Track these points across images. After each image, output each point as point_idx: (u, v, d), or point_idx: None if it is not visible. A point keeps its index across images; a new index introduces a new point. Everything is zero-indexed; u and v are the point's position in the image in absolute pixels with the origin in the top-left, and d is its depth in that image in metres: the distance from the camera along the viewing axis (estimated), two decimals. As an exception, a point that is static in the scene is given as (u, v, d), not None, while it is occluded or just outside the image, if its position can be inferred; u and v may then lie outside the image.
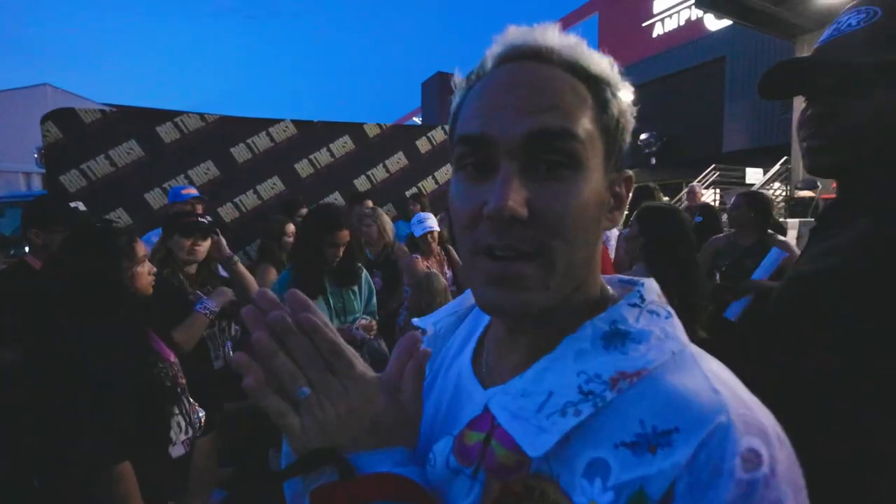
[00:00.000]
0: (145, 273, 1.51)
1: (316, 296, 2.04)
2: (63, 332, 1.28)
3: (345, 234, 2.05)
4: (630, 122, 0.44)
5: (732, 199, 2.85)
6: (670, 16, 17.41)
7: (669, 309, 0.43)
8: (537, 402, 0.39)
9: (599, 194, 0.41)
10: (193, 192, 2.77)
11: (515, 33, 0.42)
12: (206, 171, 3.55)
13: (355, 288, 2.19)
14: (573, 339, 0.42)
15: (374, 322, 2.20)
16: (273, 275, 2.75)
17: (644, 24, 18.44)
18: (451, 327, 0.58)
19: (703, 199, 5.63)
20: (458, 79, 0.45)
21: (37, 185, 7.86)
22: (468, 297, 0.59)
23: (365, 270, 2.34)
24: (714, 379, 0.37)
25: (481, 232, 0.39)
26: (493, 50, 0.42)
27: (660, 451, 0.33)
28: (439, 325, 0.58)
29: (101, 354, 1.27)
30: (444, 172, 4.42)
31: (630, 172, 0.46)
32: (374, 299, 2.37)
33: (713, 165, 11.65)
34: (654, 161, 16.80)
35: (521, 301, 0.38)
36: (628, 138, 0.45)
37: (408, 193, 4.18)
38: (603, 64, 0.42)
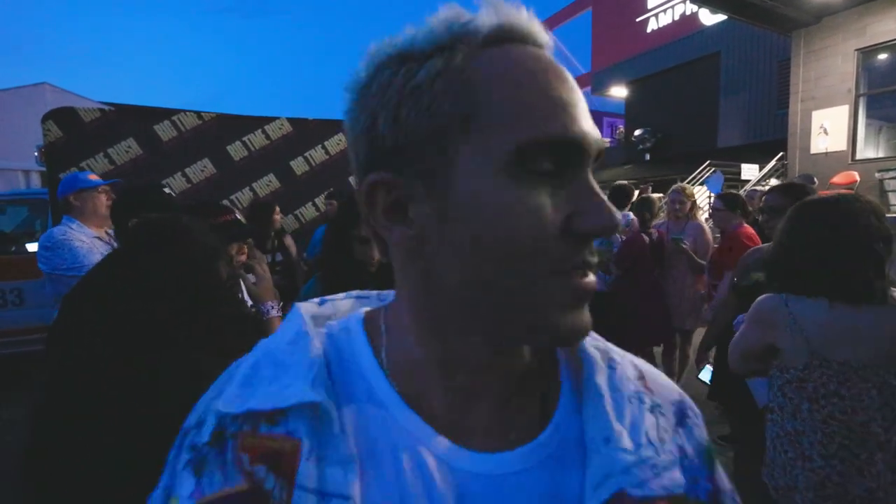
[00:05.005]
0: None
1: None
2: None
3: None
4: None
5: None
6: (664, 11, 17.45)
7: None
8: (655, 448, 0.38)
9: None
10: (97, 178, 2.40)
11: (514, 12, 0.35)
12: (202, 168, 3.58)
13: None
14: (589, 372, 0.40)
15: None
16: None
17: (638, 20, 18.47)
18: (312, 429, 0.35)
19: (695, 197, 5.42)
20: (423, 37, 0.34)
21: (36, 182, 7.85)
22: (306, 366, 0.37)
23: None
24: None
25: (567, 249, 0.32)
26: (492, 18, 0.34)
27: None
28: (294, 430, 0.35)
29: None
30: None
31: None
32: None
33: (708, 161, 11.70)
34: (648, 157, 16.87)
35: (589, 319, 0.35)
36: None
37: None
38: None
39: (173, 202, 1.85)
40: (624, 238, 3.44)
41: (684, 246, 3.30)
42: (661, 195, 4.80)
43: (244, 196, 3.72)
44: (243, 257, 1.74)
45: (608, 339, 0.46)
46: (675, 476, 0.37)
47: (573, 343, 0.38)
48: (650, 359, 3.48)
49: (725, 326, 2.15)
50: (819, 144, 8.51)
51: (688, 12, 16.20)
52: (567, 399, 0.40)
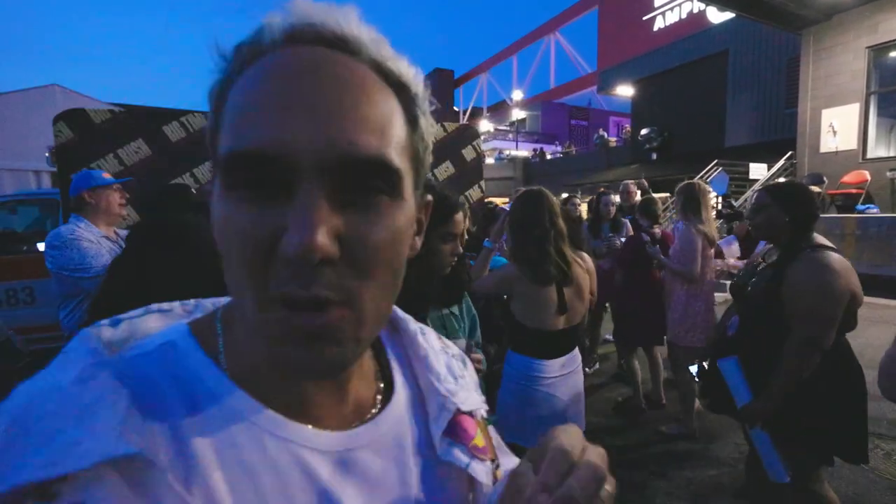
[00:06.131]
0: None
1: (425, 315, 1.49)
2: None
3: (461, 220, 1.52)
4: (430, 144, 0.38)
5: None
6: (671, 9, 17.36)
7: None
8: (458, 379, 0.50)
9: (412, 224, 0.36)
10: (110, 176, 2.46)
11: (310, 7, 0.31)
12: (210, 168, 3.60)
13: (456, 310, 1.64)
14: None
15: (481, 356, 1.58)
16: None
17: (645, 18, 18.37)
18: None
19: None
20: (226, 49, 0.33)
21: (46, 183, 7.94)
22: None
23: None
24: None
25: (276, 276, 0.29)
26: (278, 21, 0.31)
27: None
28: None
29: None
30: (444, 169, 4.45)
31: (430, 198, 0.42)
32: (479, 330, 1.77)
33: (715, 161, 11.61)
34: (654, 156, 16.76)
35: (331, 360, 0.31)
36: (430, 160, 0.38)
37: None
38: (411, 71, 0.35)
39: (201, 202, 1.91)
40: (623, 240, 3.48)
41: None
42: (668, 194, 4.75)
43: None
44: None
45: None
46: (476, 398, 0.50)
47: (302, 378, 0.36)
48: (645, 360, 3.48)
49: (721, 328, 2.09)
50: (829, 143, 8.42)
51: (695, 10, 16.10)
52: (398, 364, 0.47)
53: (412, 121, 0.34)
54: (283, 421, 0.35)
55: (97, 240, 2.22)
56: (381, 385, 0.45)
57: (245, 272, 0.30)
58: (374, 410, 0.42)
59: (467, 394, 0.48)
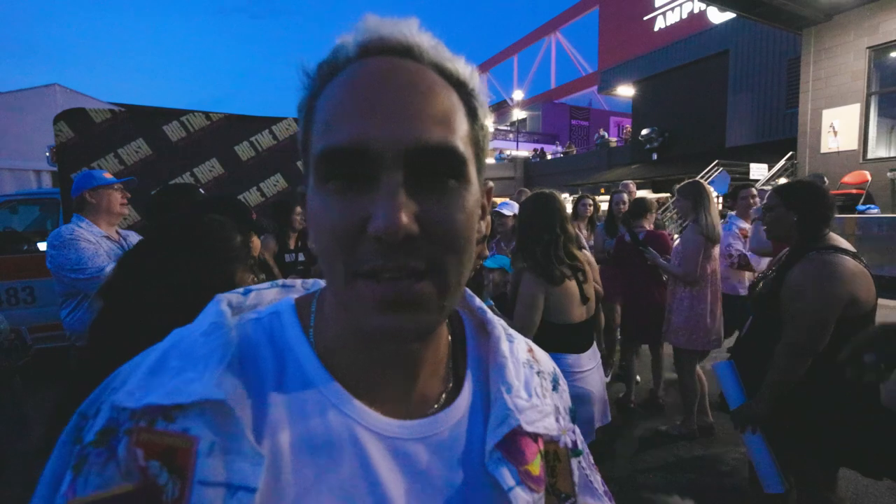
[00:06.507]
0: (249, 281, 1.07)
1: None
2: None
3: (488, 223, 1.68)
4: (490, 133, 0.43)
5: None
6: (672, 9, 17.36)
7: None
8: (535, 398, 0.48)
9: (479, 205, 0.40)
10: (111, 176, 2.42)
11: (379, 23, 0.37)
12: (210, 168, 3.60)
13: None
14: (468, 336, 0.50)
15: None
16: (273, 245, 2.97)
17: (645, 18, 18.38)
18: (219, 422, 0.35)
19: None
20: (309, 68, 0.39)
21: (47, 182, 7.93)
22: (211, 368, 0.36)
23: None
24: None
25: (363, 253, 0.34)
26: (352, 38, 0.37)
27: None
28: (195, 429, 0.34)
29: None
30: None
31: (491, 184, 0.46)
32: None
33: (716, 161, 11.61)
34: (655, 157, 16.76)
35: (417, 324, 0.35)
36: (489, 147, 0.43)
37: None
38: (467, 68, 0.39)
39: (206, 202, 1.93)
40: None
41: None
42: (668, 194, 4.75)
43: (252, 196, 3.74)
44: (255, 250, 1.81)
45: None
46: (551, 423, 0.48)
47: (392, 344, 0.39)
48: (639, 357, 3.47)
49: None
50: (829, 144, 8.42)
51: (695, 10, 16.10)
52: (474, 367, 0.47)
53: (472, 112, 0.39)
54: (348, 398, 0.40)
55: (97, 240, 2.22)
56: (451, 385, 0.46)
57: (337, 252, 0.35)
58: (435, 407, 0.43)
59: (538, 416, 0.46)
